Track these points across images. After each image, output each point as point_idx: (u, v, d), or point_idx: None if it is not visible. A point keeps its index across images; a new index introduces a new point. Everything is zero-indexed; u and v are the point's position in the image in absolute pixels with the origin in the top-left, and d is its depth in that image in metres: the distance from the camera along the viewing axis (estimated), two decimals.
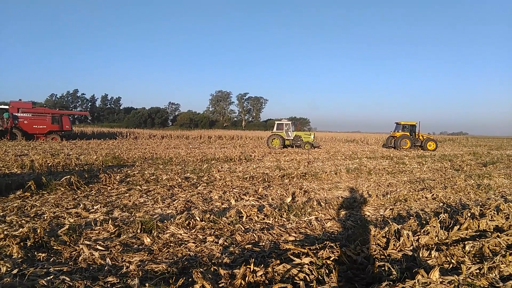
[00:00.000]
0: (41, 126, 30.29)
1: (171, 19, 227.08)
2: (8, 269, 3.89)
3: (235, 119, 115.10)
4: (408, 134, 31.81)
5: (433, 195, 9.00)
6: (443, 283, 3.57)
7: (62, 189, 8.61)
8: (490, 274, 4.00)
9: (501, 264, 4.24)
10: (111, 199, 7.87)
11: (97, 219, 6.08)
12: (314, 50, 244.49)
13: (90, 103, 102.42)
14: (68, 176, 9.07)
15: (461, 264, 4.09)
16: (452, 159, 20.75)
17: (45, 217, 6.20)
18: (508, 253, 4.46)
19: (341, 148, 31.42)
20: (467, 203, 8.36)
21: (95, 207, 7.01)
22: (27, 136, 29.18)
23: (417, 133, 32.13)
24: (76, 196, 8.07)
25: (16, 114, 29.15)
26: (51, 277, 3.75)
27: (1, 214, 6.34)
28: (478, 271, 4.02)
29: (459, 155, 24.32)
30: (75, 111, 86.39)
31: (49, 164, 12.84)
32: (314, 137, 29.71)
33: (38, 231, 4.98)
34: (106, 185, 9.43)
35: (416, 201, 8.42)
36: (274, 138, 28.36)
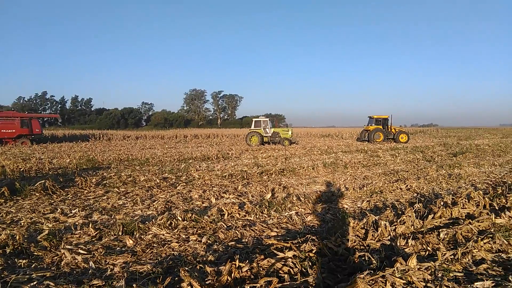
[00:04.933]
0: (9, 131, 29.25)
1: (141, 17, 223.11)
2: None
3: (211, 117, 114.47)
4: (381, 127, 32.54)
5: (407, 186, 9.32)
6: (421, 269, 3.74)
7: (37, 194, 8.40)
8: (464, 259, 4.23)
9: (474, 249, 4.47)
10: (89, 203, 7.75)
11: (77, 223, 5.99)
12: (286, 46, 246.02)
13: (60, 105, 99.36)
14: (43, 181, 8.84)
15: (437, 251, 4.29)
16: (423, 150, 21.41)
17: (22, 223, 6.07)
18: (479, 238, 4.70)
19: (317, 143, 31.80)
20: (440, 192, 8.70)
21: (73, 211, 6.90)
22: None
23: (389, 126, 32.91)
24: (52, 201, 7.90)
25: None
26: (35, 283, 3.71)
27: None
28: (452, 256, 4.24)
29: (430, 146, 25.10)
30: (44, 114, 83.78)
31: (21, 169, 12.49)
32: (291, 133, 29.98)
33: (17, 237, 4.88)
34: (82, 189, 9.25)
35: (391, 192, 8.70)
36: (253, 135, 28.45)
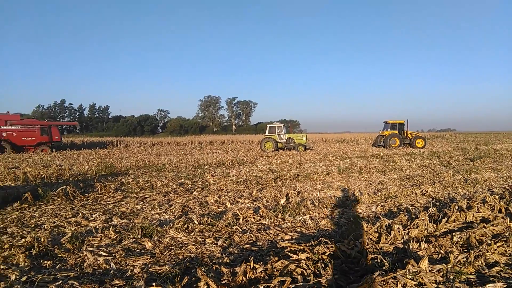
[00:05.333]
0: (30, 138, 30.09)
1: (157, 26, 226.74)
2: (17, 277, 4.02)
3: (225, 123, 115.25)
4: (397, 132, 32.27)
5: (422, 190, 9.29)
6: (432, 271, 3.80)
7: (58, 199, 8.70)
8: (477, 262, 4.26)
9: (487, 252, 4.50)
10: (108, 207, 7.99)
11: (97, 226, 6.22)
12: (301, 52, 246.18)
13: (78, 113, 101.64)
14: (64, 187, 9.15)
15: (449, 254, 4.34)
16: (440, 155, 21.19)
17: (46, 227, 6.31)
18: (493, 242, 4.72)
19: (332, 148, 31.73)
20: (455, 197, 8.65)
21: (93, 216, 7.14)
22: (16, 148, 28.96)
23: (405, 131, 32.62)
24: (74, 206, 8.17)
25: (4, 127, 28.93)
26: (60, 282, 3.90)
27: (2, 225, 6.43)
28: (465, 259, 4.28)
29: (447, 151, 24.79)
30: (63, 121, 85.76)
31: (43, 176, 12.89)
32: (306, 138, 30.01)
33: (42, 240, 5.12)
34: (102, 194, 9.53)
35: (406, 197, 8.70)
36: (268, 142, 28.60)
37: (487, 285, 3.63)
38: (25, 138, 29.79)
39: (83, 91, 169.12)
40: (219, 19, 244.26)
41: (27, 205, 8.11)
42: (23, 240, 5.30)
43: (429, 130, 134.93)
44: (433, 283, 3.62)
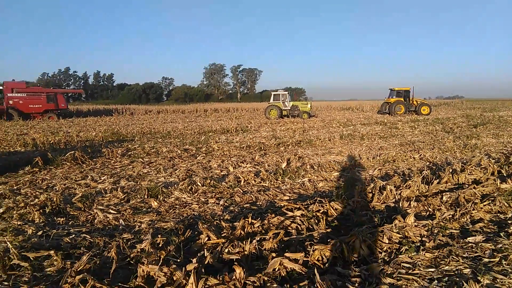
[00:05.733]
0: (37, 106, 30.35)
1: None
2: (33, 232, 4.36)
3: (230, 91, 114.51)
4: (402, 99, 32.07)
5: (420, 155, 9.50)
6: (418, 226, 4.08)
7: (68, 163, 9.03)
8: (462, 219, 4.53)
9: (473, 210, 4.77)
10: (116, 171, 8.32)
11: (106, 188, 6.55)
12: (307, 19, 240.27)
13: (82, 81, 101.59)
14: (73, 152, 9.48)
15: (436, 211, 4.60)
16: (444, 122, 21.22)
17: (57, 189, 6.65)
18: (479, 201, 4.97)
19: (337, 116, 31.75)
20: (452, 161, 8.86)
21: (102, 178, 7.47)
22: (24, 116, 29.28)
23: (411, 99, 32.41)
24: (83, 170, 8.50)
25: (11, 94, 29.18)
26: (73, 236, 4.24)
27: (16, 187, 6.78)
28: (451, 216, 4.55)
29: (451, 118, 24.77)
30: (69, 89, 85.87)
31: (51, 142, 13.24)
32: (311, 106, 30.00)
33: (55, 199, 5.46)
34: (109, 159, 9.85)
35: (404, 161, 8.93)
36: (272, 109, 28.66)
37: (468, 238, 3.90)
38: (31, 106, 30.06)
39: (87, 59, 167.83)
40: None
41: (38, 169, 8.45)
42: (37, 199, 5.65)
43: (436, 97, 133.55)
44: (417, 236, 3.90)
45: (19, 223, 4.71)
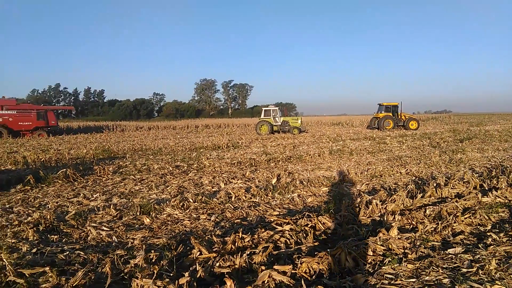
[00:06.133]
0: (26, 123, 30.21)
1: (151, 8, 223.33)
2: (28, 249, 4.44)
3: (221, 107, 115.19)
4: (391, 114, 32.66)
5: (406, 170, 9.76)
6: (401, 239, 4.26)
7: (59, 181, 9.08)
8: (444, 231, 4.73)
9: (454, 223, 4.97)
10: (108, 188, 8.40)
11: (98, 205, 6.64)
12: (297, 34, 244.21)
13: (73, 97, 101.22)
14: (64, 169, 9.54)
15: (419, 224, 4.80)
16: (431, 136, 21.65)
17: (50, 206, 6.73)
18: (460, 214, 5.18)
19: (327, 131, 32.17)
20: (437, 176, 9.11)
21: (94, 196, 7.55)
22: (13, 133, 29.12)
23: (399, 113, 33.00)
24: (75, 187, 8.57)
25: (0, 112, 29.06)
26: (67, 253, 4.33)
27: (8, 205, 6.84)
28: (433, 229, 4.74)
29: (439, 133, 25.28)
30: (59, 106, 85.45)
31: (42, 160, 13.23)
32: (301, 121, 30.36)
33: (48, 217, 5.54)
34: (101, 176, 9.92)
35: (391, 176, 9.16)
36: (263, 125, 28.93)
37: (449, 250, 4.09)
38: (21, 123, 29.92)
39: (78, 75, 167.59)
40: (216, 1, 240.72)
41: (29, 187, 8.49)
42: (30, 218, 5.72)
43: (425, 112, 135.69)
44: (400, 248, 4.08)
45: (13, 240, 4.79)
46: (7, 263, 3.66)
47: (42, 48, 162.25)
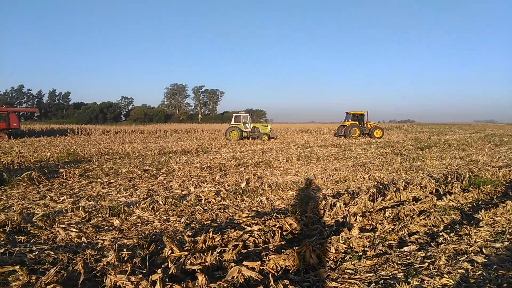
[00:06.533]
0: None
1: (120, 9, 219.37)
2: None
3: (191, 112, 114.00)
4: (357, 123, 33.66)
5: (369, 175, 10.23)
6: (361, 238, 4.57)
7: (24, 184, 8.87)
8: (401, 232, 5.09)
9: (410, 224, 5.35)
10: (75, 191, 8.30)
11: (66, 208, 6.59)
12: (269, 43, 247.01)
13: (36, 99, 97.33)
14: (29, 172, 9.32)
15: (378, 225, 5.13)
16: (394, 145, 22.56)
17: (15, 208, 6.58)
18: (416, 216, 5.58)
19: (295, 138, 32.70)
20: (397, 181, 9.62)
21: (61, 198, 7.45)
22: None
23: (365, 122, 34.08)
24: (40, 190, 8.40)
25: None
26: (36, 252, 4.34)
27: None
28: (391, 229, 5.09)
29: (401, 141, 26.36)
30: (22, 107, 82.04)
31: (4, 162, 12.83)
32: (270, 128, 30.77)
33: (15, 218, 5.46)
34: (67, 179, 9.76)
35: (355, 181, 9.59)
36: (233, 130, 29.08)
37: (404, 248, 4.43)
38: None
39: (42, 76, 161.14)
40: (187, 7, 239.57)
41: None
42: None
43: (390, 121, 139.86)
44: (360, 246, 4.38)
45: None
46: None
47: (3, 47, 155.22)
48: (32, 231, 5.28)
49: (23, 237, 4.99)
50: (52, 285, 3.11)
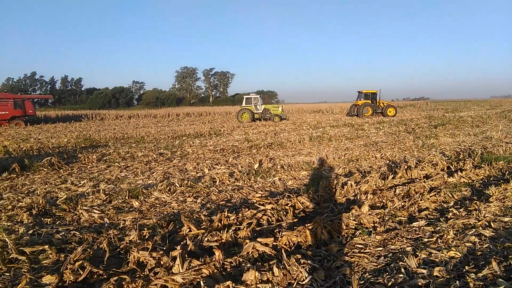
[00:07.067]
0: (3, 112, 29.52)
1: None
2: (24, 231, 4.71)
3: (203, 95, 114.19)
4: (369, 102, 33.34)
5: (381, 154, 10.30)
6: (371, 214, 4.72)
7: (45, 169, 9.21)
8: (411, 208, 5.22)
9: (421, 200, 5.46)
10: (94, 175, 8.60)
11: (87, 191, 6.88)
12: (278, 22, 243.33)
13: (49, 86, 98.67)
14: (49, 158, 9.66)
15: (388, 202, 5.27)
16: (407, 123, 22.42)
17: (38, 193, 6.91)
18: (426, 192, 5.69)
19: (307, 119, 32.63)
20: (410, 159, 9.66)
21: (81, 182, 7.76)
22: None
23: (378, 101, 33.74)
24: (61, 175, 8.73)
25: None
26: (63, 233, 4.62)
27: None
28: (401, 206, 5.22)
29: (415, 119, 26.13)
30: (37, 94, 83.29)
31: (23, 149, 13.23)
32: (282, 109, 30.76)
33: (40, 202, 5.77)
34: (85, 164, 10.10)
35: (366, 160, 9.68)
36: (244, 112, 29.20)
37: (413, 223, 4.56)
38: None
39: (55, 62, 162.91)
40: None
41: (15, 175, 8.62)
42: (21, 203, 5.94)
43: (403, 99, 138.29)
44: (371, 223, 4.54)
45: (8, 223, 5.04)
46: (9, 242, 3.93)
47: (16, 35, 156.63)
48: (57, 213, 5.58)
49: (49, 219, 5.29)
50: (80, 262, 3.35)
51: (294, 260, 3.38)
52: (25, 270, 3.59)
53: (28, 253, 3.90)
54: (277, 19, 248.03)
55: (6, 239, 4.02)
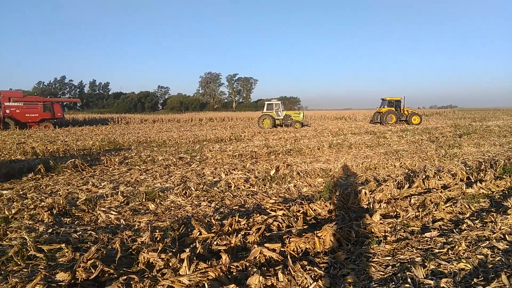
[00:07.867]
0: (33, 115, 30.69)
1: (157, 1, 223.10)
2: (44, 229, 4.91)
3: (226, 100, 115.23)
4: (393, 109, 32.85)
5: (401, 163, 10.14)
6: (383, 223, 4.68)
7: (68, 171, 9.55)
8: (425, 218, 5.14)
9: (435, 211, 5.37)
10: (114, 177, 8.86)
11: (106, 193, 7.10)
12: (303, 29, 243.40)
13: (78, 90, 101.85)
14: (73, 160, 10.02)
15: (401, 211, 5.21)
16: (431, 131, 21.93)
17: (61, 193, 7.18)
18: (441, 203, 5.58)
19: (329, 125, 32.43)
20: (429, 169, 9.48)
21: (102, 184, 8.01)
22: (20, 125, 29.64)
23: (402, 108, 33.19)
24: (83, 176, 9.03)
25: (8, 104, 29.60)
26: (80, 233, 4.80)
27: (22, 192, 7.31)
28: (415, 216, 5.15)
29: (440, 128, 25.55)
30: (65, 98, 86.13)
31: (50, 150, 13.73)
32: (303, 115, 30.72)
33: (61, 202, 6.00)
34: (107, 166, 10.40)
35: (385, 169, 9.55)
36: (265, 118, 29.32)
37: (425, 234, 4.50)
38: (28, 115, 30.41)
39: (83, 67, 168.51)
40: None
41: (40, 176, 8.97)
42: (44, 202, 6.20)
43: (430, 106, 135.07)
44: (381, 232, 4.50)
45: (30, 222, 5.27)
46: (28, 240, 4.12)
47: (47, 40, 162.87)
48: (76, 214, 5.79)
49: (68, 219, 5.50)
50: (92, 261, 3.48)
51: (299, 267, 3.41)
52: (42, 267, 3.75)
53: (46, 250, 4.08)
54: (303, 26, 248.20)
55: (26, 236, 4.22)
